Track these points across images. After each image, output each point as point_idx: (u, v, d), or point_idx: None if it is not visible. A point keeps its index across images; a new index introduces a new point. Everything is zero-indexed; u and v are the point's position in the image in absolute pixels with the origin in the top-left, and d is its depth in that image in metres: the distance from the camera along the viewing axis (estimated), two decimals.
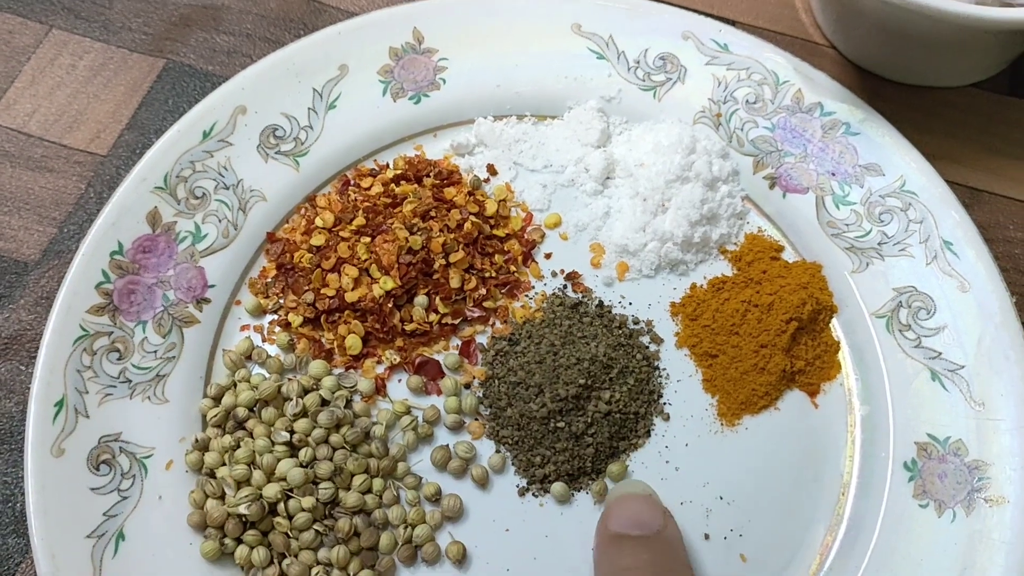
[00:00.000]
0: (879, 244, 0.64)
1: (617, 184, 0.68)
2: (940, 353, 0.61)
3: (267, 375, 0.62)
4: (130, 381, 0.60)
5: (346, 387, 0.62)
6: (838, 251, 0.65)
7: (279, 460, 0.58)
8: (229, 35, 0.76)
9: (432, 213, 0.65)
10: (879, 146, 0.66)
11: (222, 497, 0.57)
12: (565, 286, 0.66)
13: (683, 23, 0.70)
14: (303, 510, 0.57)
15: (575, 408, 0.59)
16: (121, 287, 0.62)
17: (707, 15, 0.72)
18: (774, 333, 0.62)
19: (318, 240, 0.65)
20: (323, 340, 0.63)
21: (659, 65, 0.70)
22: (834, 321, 0.64)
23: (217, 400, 0.61)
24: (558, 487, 0.59)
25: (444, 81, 0.71)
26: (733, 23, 0.76)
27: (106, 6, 0.77)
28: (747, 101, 0.69)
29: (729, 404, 0.62)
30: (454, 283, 0.64)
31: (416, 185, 0.67)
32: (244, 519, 0.57)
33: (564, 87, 0.71)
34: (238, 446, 0.59)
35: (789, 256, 0.66)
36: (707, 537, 0.58)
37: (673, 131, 0.67)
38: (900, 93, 0.74)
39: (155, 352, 0.61)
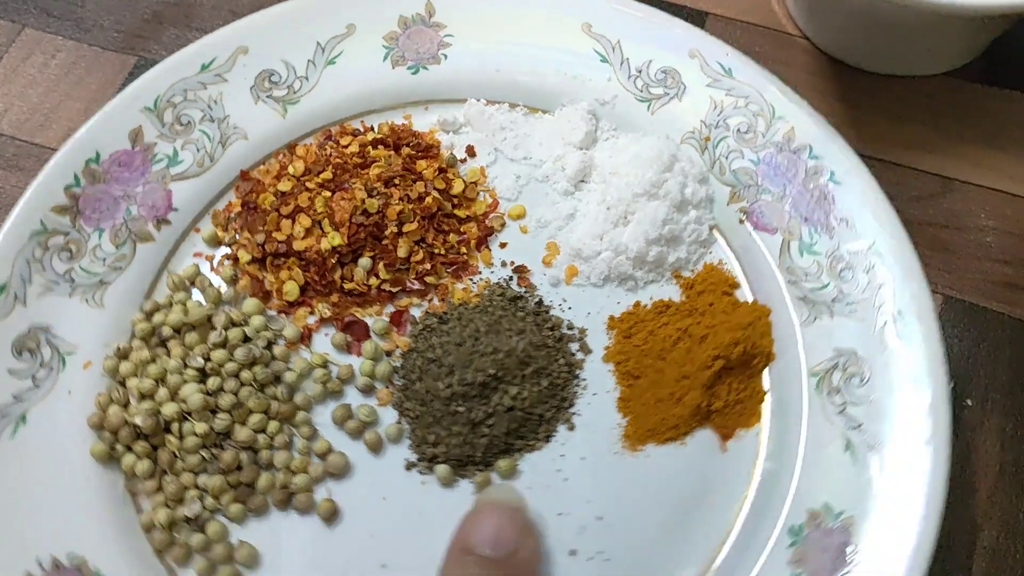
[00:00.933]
0: (832, 300, 0.62)
1: (590, 188, 0.68)
2: (861, 424, 0.58)
3: (203, 303, 0.64)
4: (73, 281, 0.63)
5: (272, 329, 0.63)
6: (791, 299, 0.63)
7: (186, 383, 0.60)
8: (201, 31, 0.77)
9: (396, 181, 0.66)
10: (859, 202, 0.63)
11: (126, 405, 0.60)
12: (511, 278, 0.66)
13: (692, 41, 0.69)
14: (194, 434, 0.59)
15: (479, 396, 0.59)
16: (89, 193, 0.65)
17: (681, 7, 0.75)
18: (698, 366, 0.60)
19: (285, 186, 0.66)
20: (265, 281, 0.65)
21: (660, 79, 0.69)
22: (767, 370, 0.62)
23: (149, 316, 0.63)
24: (443, 469, 0.59)
25: (445, 57, 0.71)
26: (706, 15, 0.78)
27: (78, 4, 0.79)
28: (739, 130, 0.67)
29: (637, 428, 0.61)
30: (401, 252, 0.64)
31: (392, 152, 0.68)
32: (138, 430, 0.59)
33: (561, 83, 0.70)
34: (154, 361, 0.61)
35: (744, 294, 0.64)
36: (573, 553, 0.57)
37: (656, 146, 0.66)
38: (873, 83, 0.74)
39: (104, 260, 0.64)
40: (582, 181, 0.68)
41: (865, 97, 0.73)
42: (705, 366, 0.60)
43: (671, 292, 0.65)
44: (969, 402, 0.64)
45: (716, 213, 0.66)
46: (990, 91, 0.75)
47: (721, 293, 0.64)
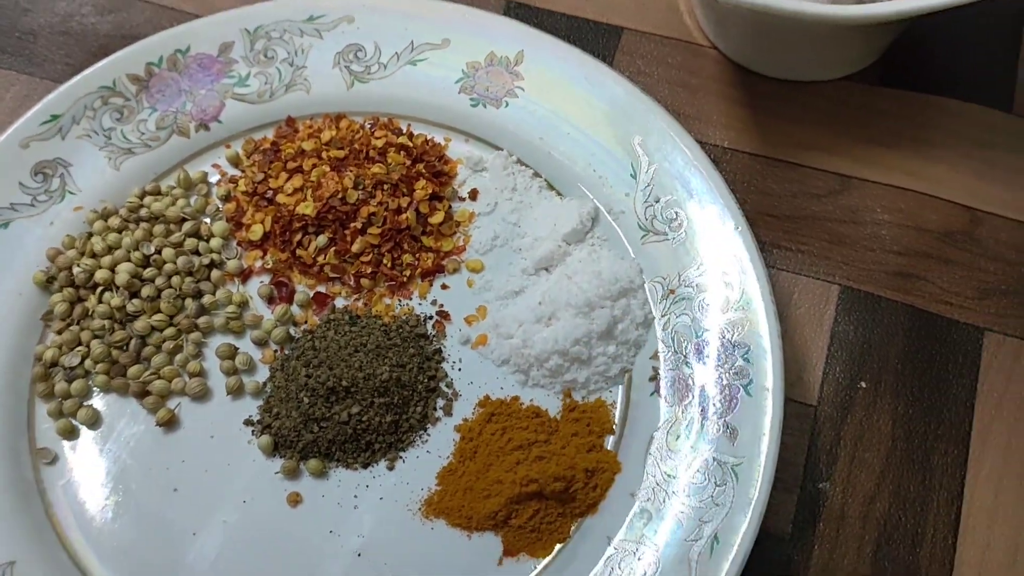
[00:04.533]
0: (672, 492, 0.60)
1: (546, 278, 0.69)
2: None
3: (191, 205, 0.72)
4: (110, 139, 0.73)
5: (224, 255, 0.71)
6: (647, 474, 0.62)
7: (128, 261, 0.69)
8: None
9: (386, 187, 0.70)
10: (752, 422, 0.61)
11: (81, 254, 0.70)
12: (431, 317, 0.69)
13: (718, 198, 0.67)
14: (109, 304, 0.67)
15: (325, 398, 0.64)
16: (164, 76, 0.75)
17: (598, 23, 0.82)
18: (513, 480, 0.61)
19: (308, 145, 0.73)
20: (245, 214, 0.72)
21: (669, 218, 0.69)
22: (583, 520, 0.62)
23: (143, 195, 0.72)
24: (266, 440, 0.64)
25: (507, 104, 0.74)
26: (622, 29, 0.83)
27: (30, 41, 0.83)
28: (704, 300, 0.66)
29: (440, 501, 0.63)
30: (354, 248, 0.69)
31: (407, 161, 0.72)
32: (72, 278, 0.68)
33: (587, 176, 0.71)
34: (119, 232, 0.70)
35: (611, 443, 0.64)
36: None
37: (618, 273, 0.67)
38: (776, 88, 0.79)
39: (142, 134, 0.74)
40: (545, 269, 0.70)
41: (769, 102, 0.79)
42: (520, 483, 0.61)
43: (553, 404, 0.66)
44: (863, 384, 0.68)
45: (637, 360, 0.66)
46: (886, 92, 0.79)
47: (591, 431, 0.64)
